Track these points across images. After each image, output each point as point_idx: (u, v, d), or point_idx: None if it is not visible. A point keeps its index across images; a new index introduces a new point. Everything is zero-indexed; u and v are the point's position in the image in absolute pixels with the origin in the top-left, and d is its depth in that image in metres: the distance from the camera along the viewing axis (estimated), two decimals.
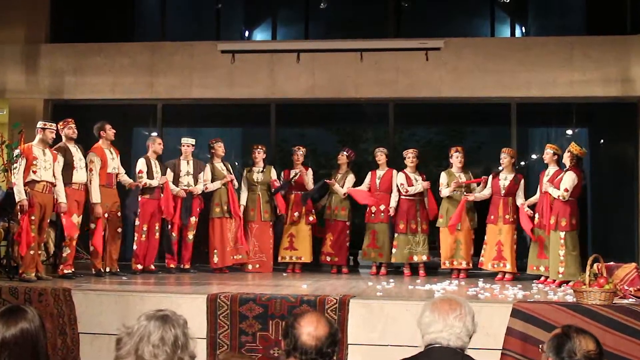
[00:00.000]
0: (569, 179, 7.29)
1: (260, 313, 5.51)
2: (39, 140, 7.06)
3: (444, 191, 8.31)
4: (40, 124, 7.19)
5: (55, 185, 7.07)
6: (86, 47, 10.24)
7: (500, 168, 8.17)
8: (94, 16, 10.55)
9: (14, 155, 6.88)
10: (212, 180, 8.57)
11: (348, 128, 11.39)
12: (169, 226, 8.34)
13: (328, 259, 8.76)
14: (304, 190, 8.83)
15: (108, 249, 7.70)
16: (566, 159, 7.44)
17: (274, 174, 8.86)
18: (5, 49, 10.18)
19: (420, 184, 8.43)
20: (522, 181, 8.08)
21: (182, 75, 10.05)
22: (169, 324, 2.50)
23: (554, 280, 7.33)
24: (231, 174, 8.69)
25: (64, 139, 7.44)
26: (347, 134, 11.31)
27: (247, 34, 11.43)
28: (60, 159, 7.20)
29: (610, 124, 10.39)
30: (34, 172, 6.87)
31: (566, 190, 7.25)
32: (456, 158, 8.35)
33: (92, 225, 7.60)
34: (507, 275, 7.90)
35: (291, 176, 8.82)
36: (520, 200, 7.99)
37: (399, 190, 8.51)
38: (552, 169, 7.71)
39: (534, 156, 10.40)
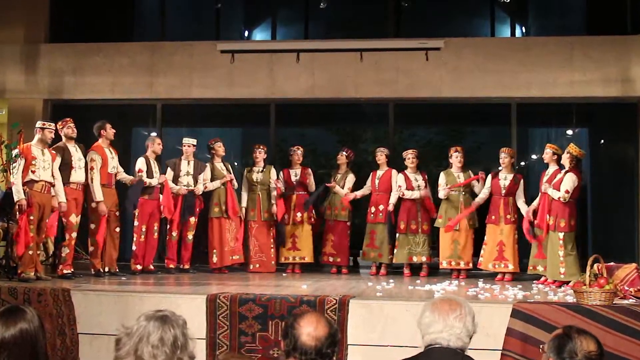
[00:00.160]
0: (570, 181, 7.29)
1: (259, 313, 5.50)
2: (37, 140, 7.06)
3: (440, 193, 8.32)
4: (39, 124, 7.18)
5: (54, 185, 7.06)
6: (86, 47, 10.23)
7: (499, 168, 8.16)
8: (94, 16, 10.54)
9: (13, 155, 6.86)
10: (212, 180, 8.57)
11: (348, 128, 11.38)
12: (168, 226, 8.34)
13: (330, 259, 8.76)
14: (306, 190, 8.84)
15: (107, 249, 7.69)
16: (565, 160, 7.43)
17: (273, 174, 8.85)
18: (5, 48, 10.17)
19: (417, 192, 8.41)
20: (522, 181, 8.08)
21: (182, 75, 10.04)
22: (169, 325, 2.49)
23: (554, 281, 7.33)
24: (231, 174, 8.69)
25: (63, 138, 7.44)
26: (347, 134, 11.31)
27: (246, 33, 11.42)
28: (58, 159, 7.19)
29: (610, 124, 10.38)
30: (33, 172, 6.86)
31: (567, 191, 7.26)
32: (455, 158, 8.35)
33: (92, 225, 7.60)
34: (506, 276, 7.89)
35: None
36: (521, 200, 7.98)
37: (400, 187, 8.52)
38: (551, 168, 7.71)
39: (534, 156, 10.39)
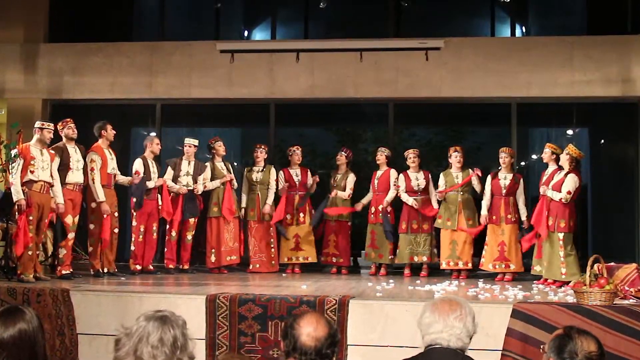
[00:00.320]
0: (572, 182, 7.29)
1: (259, 314, 5.49)
2: (36, 140, 7.05)
3: (433, 200, 8.37)
4: (38, 124, 7.17)
5: (53, 186, 7.05)
6: (85, 46, 10.22)
7: (499, 168, 8.15)
8: (93, 16, 10.53)
9: (12, 155, 6.85)
10: (212, 180, 8.57)
11: (348, 128, 11.37)
12: (167, 226, 8.33)
13: (333, 259, 8.75)
14: (307, 191, 8.86)
15: (106, 249, 7.67)
16: (565, 162, 7.43)
17: (273, 173, 8.84)
18: (4, 48, 10.16)
19: (412, 199, 8.41)
20: (522, 180, 8.07)
21: (181, 75, 10.03)
22: (168, 325, 2.49)
23: (554, 281, 7.32)
24: (231, 173, 8.68)
25: (64, 139, 7.44)
26: (347, 134, 11.30)
27: (246, 33, 11.41)
28: (57, 159, 7.18)
29: (610, 124, 10.38)
30: (32, 172, 6.85)
31: (569, 192, 7.26)
32: (455, 158, 8.34)
33: (92, 226, 7.59)
34: (507, 276, 7.88)
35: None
36: (521, 201, 7.97)
37: (396, 188, 8.54)
38: (550, 168, 7.71)
39: (534, 156, 10.38)
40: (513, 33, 10.33)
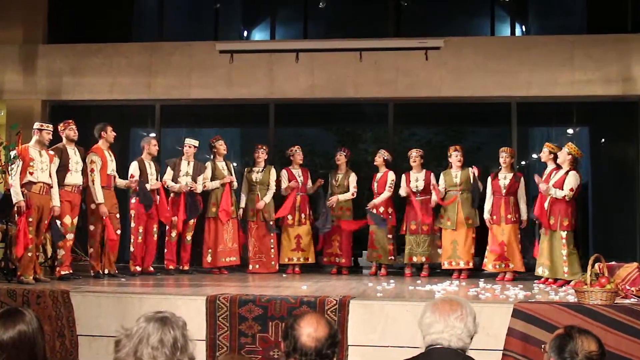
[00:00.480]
0: (574, 179, 7.31)
1: (259, 314, 5.48)
2: (35, 141, 7.04)
3: (433, 199, 8.35)
4: (36, 125, 7.16)
5: (52, 187, 7.04)
6: (84, 47, 10.21)
7: (499, 167, 8.15)
8: (92, 16, 10.51)
9: (11, 156, 6.84)
10: (212, 179, 8.56)
11: (347, 128, 11.37)
12: (167, 227, 8.33)
13: (336, 260, 8.74)
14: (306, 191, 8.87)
15: (106, 250, 7.66)
16: (565, 160, 7.43)
17: (273, 174, 8.83)
18: (3, 49, 10.15)
19: (404, 191, 8.43)
20: (522, 179, 8.04)
21: (181, 75, 10.02)
22: (168, 326, 2.49)
23: (555, 281, 7.32)
24: (232, 174, 8.67)
25: (64, 140, 7.43)
26: (347, 134, 11.30)
27: (245, 33, 11.40)
28: (56, 160, 7.17)
29: (611, 124, 10.38)
30: (31, 173, 6.84)
31: (571, 190, 7.28)
32: (455, 157, 8.33)
33: (91, 227, 7.58)
34: (507, 275, 7.87)
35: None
36: (522, 201, 7.96)
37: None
38: (548, 167, 7.72)
39: (534, 156, 10.37)
40: (513, 32, 10.32)
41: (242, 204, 8.76)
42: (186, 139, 8.58)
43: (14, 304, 5.69)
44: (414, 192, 8.47)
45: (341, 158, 8.90)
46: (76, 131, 7.48)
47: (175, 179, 8.36)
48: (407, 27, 10.22)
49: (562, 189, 7.31)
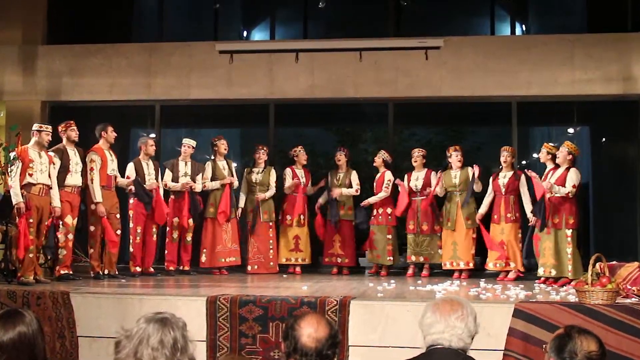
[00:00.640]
0: (575, 176, 7.35)
1: (260, 315, 5.47)
2: (34, 142, 7.04)
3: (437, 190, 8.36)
4: (35, 127, 7.16)
5: (51, 188, 7.04)
6: (83, 48, 10.20)
7: (500, 167, 8.14)
8: (92, 17, 10.50)
9: (11, 157, 6.84)
10: (212, 179, 8.55)
11: (347, 128, 11.36)
12: (168, 228, 8.33)
13: (338, 260, 8.73)
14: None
15: (106, 251, 7.66)
16: (563, 158, 7.44)
17: (273, 175, 8.83)
18: (2, 50, 10.13)
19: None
20: (523, 176, 8.01)
21: (180, 75, 10.01)
22: (168, 327, 2.48)
23: (555, 280, 7.31)
24: (233, 174, 8.67)
25: (64, 141, 7.43)
26: (347, 134, 11.29)
27: (245, 33, 11.39)
28: (57, 161, 7.16)
29: (611, 123, 10.36)
30: (30, 174, 6.84)
31: (574, 186, 7.31)
32: (455, 157, 8.33)
33: (92, 228, 7.57)
34: (509, 275, 7.86)
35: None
36: (525, 199, 7.92)
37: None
38: (548, 168, 7.72)
39: (535, 155, 10.35)
40: (513, 32, 10.31)
41: (241, 204, 8.75)
42: (184, 139, 8.58)
43: (14, 305, 5.68)
44: (413, 192, 8.47)
45: (341, 158, 8.90)
46: (77, 132, 7.49)
47: (175, 180, 8.36)
48: (407, 27, 10.21)
49: (565, 186, 7.31)
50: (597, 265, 5.34)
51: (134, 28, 11.11)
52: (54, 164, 7.13)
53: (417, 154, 8.57)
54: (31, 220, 6.81)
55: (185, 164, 8.46)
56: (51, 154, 7.18)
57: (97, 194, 7.48)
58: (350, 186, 8.79)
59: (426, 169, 8.57)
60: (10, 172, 6.81)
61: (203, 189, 8.50)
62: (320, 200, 8.89)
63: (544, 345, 2.86)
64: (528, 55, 9.49)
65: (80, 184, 7.47)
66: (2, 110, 10.21)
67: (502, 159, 8.06)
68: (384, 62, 9.68)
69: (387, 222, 8.56)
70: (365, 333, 5.39)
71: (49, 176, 7.02)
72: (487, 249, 8.02)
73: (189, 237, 8.39)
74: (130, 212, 8.06)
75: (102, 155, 7.64)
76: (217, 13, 10.67)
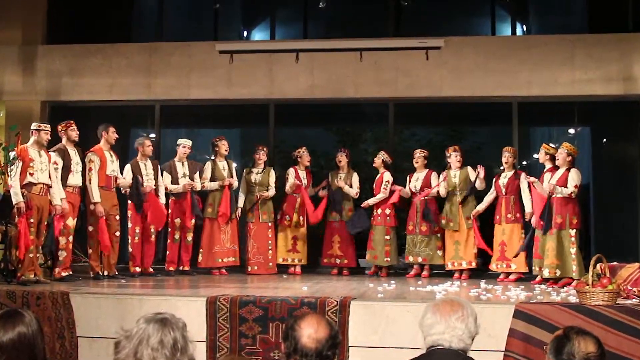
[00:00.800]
0: (576, 176, 7.36)
1: (260, 315, 5.47)
2: (33, 142, 7.03)
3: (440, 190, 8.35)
4: (34, 126, 7.15)
5: (51, 187, 7.03)
6: (83, 48, 10.19)
7: (502, 167, 8.14)
8: (92, 17, 10.49)
9: (11, 157, 6.83)
10: (212, 179, 8.54)
11: (348, 128, 11.35)
12: (169, 228, 8.32)
13: (337, 261, 8.72)
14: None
15: (106, 251, 7.65)
16: (562, 159, 7.44)
17: (272, 175, 8.82)
18: (2, 50, 10.12)
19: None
20: (523, 175, 7.99)
21: (180, 75, 10.00)
22: (168, 327, 2.48)
23: (555, 281, 7.30)
24: (233, 175, 8.66)
25: (64, 140, 7.42)
26: (347, 134, 11.28)
27: (245, 33, 11.39)
28: (59, 161, 7.16)
29: (612, 123, 10.35)
30: (31, 174, 6.83)
31: (576, 186, 7.32)
32: (455, 157, 8.33)
33: (91, 228, 7.56)
34: (511, 276, 7.85)
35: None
36: (525, 196, 7.91)
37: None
38: (546, 168, 7.72)
39: (535, 155, 10.35)
40: (514, 32, 10.30)
41: (240, 204, 8.74)
42: (179, 140, 8.56)
43: (14, 305, 5.68)
44: (413, 192, 8.47)
45: (343, 159, 8.89)
46: (77, 132, 7.48)
47: (174, 182, 8.34)
48: (407, 27, 10.20)
49: (567, 187, 7.31)
50: (598, 266, 5.33)
51: (133, 28, 11.10)
52: (55, 163, 7.11)
53: (419, 155, 8.57)
54: (31, 220, 6.80)
55: (183, 165, 8.46)
56: (52, 153, 7.17)
57: (95, 194, 7.46)
58: (350, 187, 8.78)
59: (427, 170, 8.56)
60: (10, 171, 6.80)
61: (202, 189, 8.49)
62: (321, 193, 8.88)
63: (544, 346, 2.85)
64: (528, 55, 9.48)
65: (81, 184, 7.46)
66: (2, 110, 10.21)
67: (503, 160, 8.05)
68: (384, 62, 9.67)
69: (386, 223, 8.55)
70: (366, 334, 5.39)
71: (49, 176, 7.01)
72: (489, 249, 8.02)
73: (189, 237, 8.38)
74: (129, 212, 8.04)
75: (101, 155, 7.63)
76: (217, 13, 10.66)
